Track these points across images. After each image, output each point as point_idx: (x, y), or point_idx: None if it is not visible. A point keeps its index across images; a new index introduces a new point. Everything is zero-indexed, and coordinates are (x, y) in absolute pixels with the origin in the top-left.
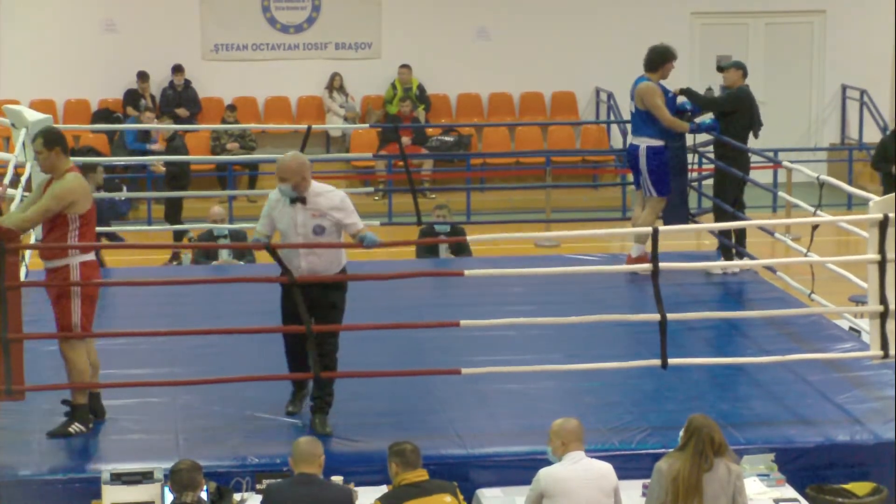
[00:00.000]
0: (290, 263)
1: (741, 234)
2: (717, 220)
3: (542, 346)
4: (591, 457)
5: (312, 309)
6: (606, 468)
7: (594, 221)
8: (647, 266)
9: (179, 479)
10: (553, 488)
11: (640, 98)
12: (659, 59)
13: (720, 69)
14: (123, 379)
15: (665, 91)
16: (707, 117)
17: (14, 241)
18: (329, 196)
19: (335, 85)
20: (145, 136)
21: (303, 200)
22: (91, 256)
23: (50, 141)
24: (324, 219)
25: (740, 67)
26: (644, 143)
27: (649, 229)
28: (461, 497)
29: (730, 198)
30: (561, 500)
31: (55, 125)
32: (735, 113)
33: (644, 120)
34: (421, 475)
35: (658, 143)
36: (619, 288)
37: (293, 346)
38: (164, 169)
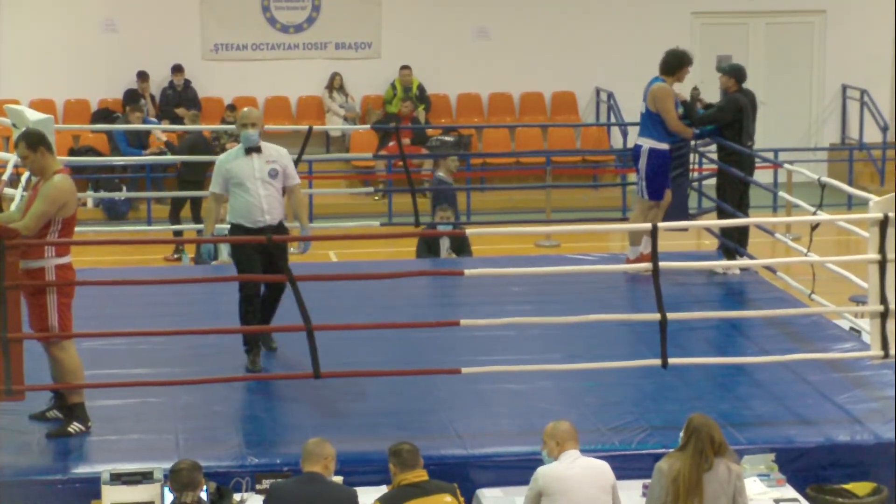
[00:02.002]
0: (253, 209)
1: (744, 235)
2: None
3: (542, 346)
4: (591, 456)
5: (268, 257)
6: (603, 466)
7: (594, 221)
8: (647, 265)
9: (179, 479)
10: (551, 487)
11: (653, 99)
12: (676, 63)
13: (719, 71)
14: (123, 379)
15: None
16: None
17: (14, 241)
18: (277, 147)
19: (335, 85)
20: (138, 142)
21: (258, 150)
22: (67, 259)
23: (33, 143)
24: (276, 164)
25: (734, 74)
26: (648, 143)
27: (643, 227)
28: (461, 499)
29: (732, 199)
30: (559, 498)
31: (37, 127)
32: (728, 124)
33: (651, 121)
34: (420, 475)
35: (662, 146)
36: (619, 288)
37: (251, 298)
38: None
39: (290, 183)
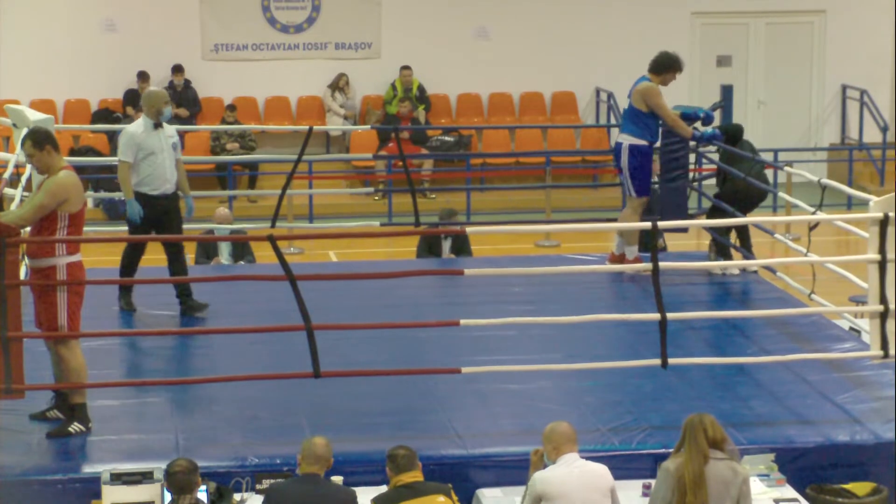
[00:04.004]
0: (159, 177)
1: (745, 238)
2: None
3: (542, 346)
4: (591, 457)
5: (165, 221)
6: (602, 469)
7: (594, 221)
8: (647, 266)
9: (176, 482)
10: (549, 491)
11: (641, 97)
12: (665, 65)
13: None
14: (123, 379)
15: None
16: (709, 128)
17: (14, 238)
18: (169, 125)
19: (339, 84)
20: None
21: (161, 125)
22: (78, 257)
23: (38, 141)
24: (174, 138)
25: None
26: (627, 140)
27: (642, 226)
28: (456, 498)
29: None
30: (557, 502)
31: (43, 126)
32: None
33: (632, 118)
34: (415, 476)
35: (641, 142)
36: (620, 288)
37: (138, 252)
38: None
39: (178, 156)
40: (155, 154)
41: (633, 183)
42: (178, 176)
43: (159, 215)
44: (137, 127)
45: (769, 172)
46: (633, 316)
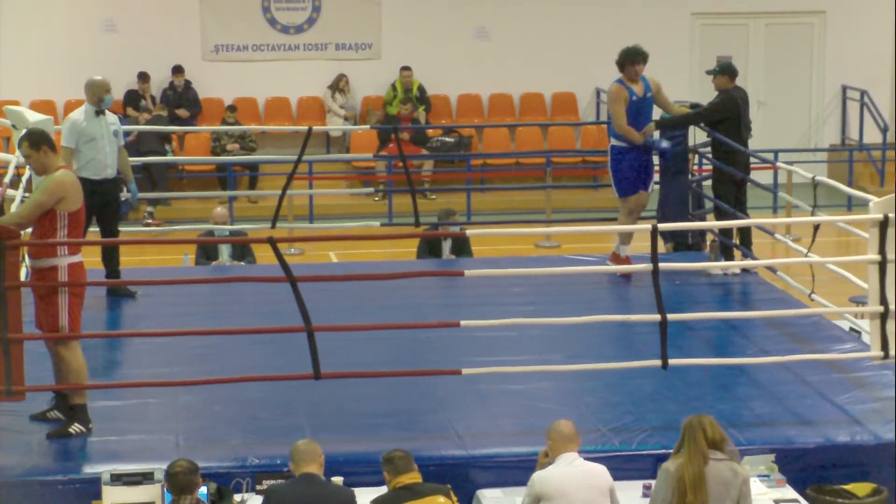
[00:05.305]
0: (100, 163)
1: (746, 235)
2: (717, 220)
3: (542, 346)
4: (591, 458)
5: (105, 206)
6: (601, 469)
7: (594, 222)
8: (647, 266)
9: (176, 482)
10: (548, 491)
11: (608, 100)
12: (623, 61)
13: (709, 73)
14: (124, 379)
15: (631, 93)
16: (664, 141)
17: (15, 240)
18: (111, 113)
19: (340, 85)
20: None
21: (103, 112)
22: (79, 257)
23: (35, 142)
24: (116, 125)
25: (726, 72)
26: (610, 142)
27: (638, 228)
28: (455, 499)
29: (729, 198)
30: (557, 502)
31: (40, 127)
32: (724, 120)
33: (611, 121)
34: (414, 478)
35: (621, 144)
36: (620, 288)
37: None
38: None
39: (120, 143)
40: (96, 140)
41: (615, 184)
42: (120, 162)
43: (101, 200)
44: (79, 114)
45: (769, 173)
46: (634, 316)
